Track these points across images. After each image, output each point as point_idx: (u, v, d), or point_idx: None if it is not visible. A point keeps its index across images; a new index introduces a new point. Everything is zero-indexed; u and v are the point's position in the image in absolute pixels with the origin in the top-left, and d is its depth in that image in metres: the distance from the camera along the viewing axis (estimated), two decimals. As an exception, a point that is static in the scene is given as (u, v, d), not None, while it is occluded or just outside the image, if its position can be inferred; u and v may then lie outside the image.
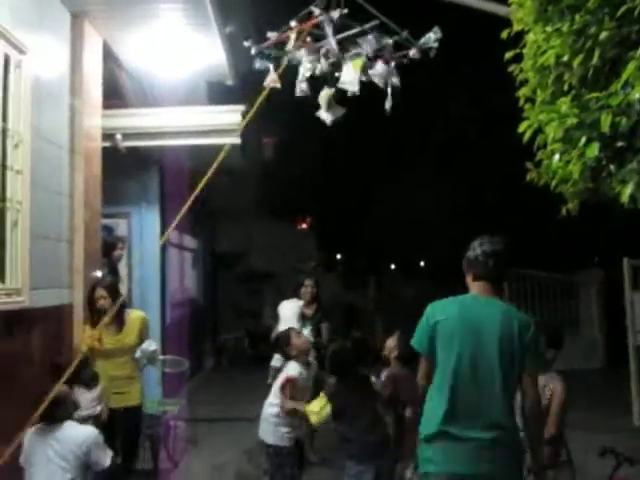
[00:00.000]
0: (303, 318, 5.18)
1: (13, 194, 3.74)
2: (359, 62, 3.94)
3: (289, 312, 5.08)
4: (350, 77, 3.89)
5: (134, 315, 4.36)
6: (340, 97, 4.29)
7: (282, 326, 4.90)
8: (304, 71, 3.92)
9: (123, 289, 6.53)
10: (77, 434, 3.14)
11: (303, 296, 5.18)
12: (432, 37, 3.94)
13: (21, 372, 3.77)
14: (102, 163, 5.26)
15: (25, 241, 3.81)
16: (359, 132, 13.89)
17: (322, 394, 3.78)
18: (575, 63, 2.17)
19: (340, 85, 4.01)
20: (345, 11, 3.76)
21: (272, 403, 4.04)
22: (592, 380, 8.78)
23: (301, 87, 3.97)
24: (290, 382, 3.93)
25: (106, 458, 3.19)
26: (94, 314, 4.12)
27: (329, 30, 3.84)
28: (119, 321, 4.15)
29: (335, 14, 3.74)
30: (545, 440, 3.71)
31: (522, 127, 2.57)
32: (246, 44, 3.85)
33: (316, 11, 3.82)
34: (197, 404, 6.58)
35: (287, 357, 4.13)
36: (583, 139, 2.10)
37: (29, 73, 3.92)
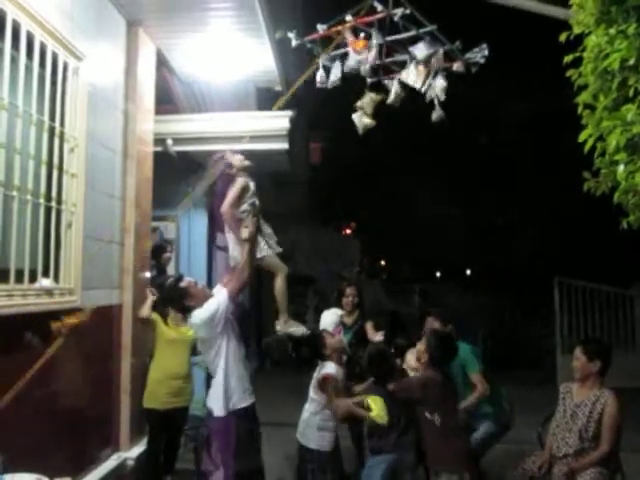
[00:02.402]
0: (343, 327, 5.09)
1: (68, 197, 3.85)
2: (423, 71, 3.88)
3: (328, 321, 5.00)
4: (415, 81, 3.83)
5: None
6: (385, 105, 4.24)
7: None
8: (342, 68, 3.87)
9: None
10: None
11: (345, 306, 5.05)
12: (479, 53, 3.86)
13: (73, 370, 3.88)
14: (153, 167, 5.38)
15: (78, 242, 3.92)
16: (406, 139, 13.77)
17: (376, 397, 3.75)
18: (643, 66, 2.06)
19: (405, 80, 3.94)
20: (407, 11, 3.67)
21: (312, 406, 4.04)
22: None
23: (332, 81, 3.93)
24: (329, 380, 3.90)
25: None
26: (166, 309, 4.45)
27: (376, 37, 3.79)
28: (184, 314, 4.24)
29: (397, 12, 3.66)
30: (597, 459, 3.56)
31: (583, 136, 2.45)
32: (289, 35, 3.82)
33: (379, 7, 3.75)
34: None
35: (323, 358, 4.16)
36: (651, 146, 1.99)
37: (86, 79, 4.04)
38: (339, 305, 5.17)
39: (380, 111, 4.25)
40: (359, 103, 4.15)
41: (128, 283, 4.72)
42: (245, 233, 3.58)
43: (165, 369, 4.56)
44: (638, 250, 9.95)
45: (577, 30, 2.77)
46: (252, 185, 4.14)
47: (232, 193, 3.96)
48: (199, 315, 3.63)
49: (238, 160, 4.19)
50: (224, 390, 3.56)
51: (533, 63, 10.05)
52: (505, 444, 5.41)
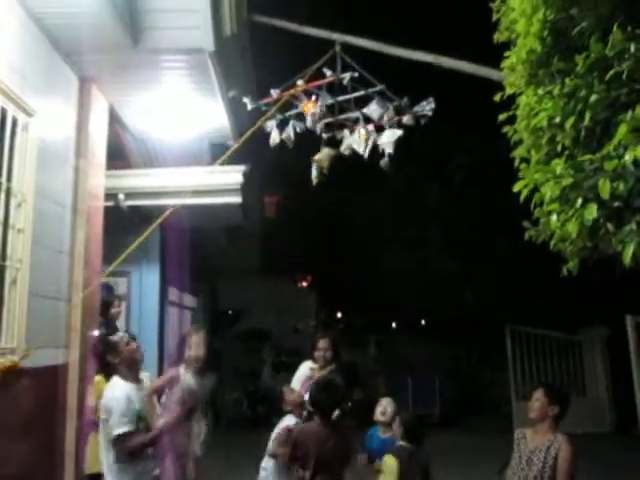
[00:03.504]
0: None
1: (13, 252, 3.75)
2: (364, 136, 4.07)
3: (299, 374, 4.80)
4: (359, 146, 4.01)
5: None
6: (338, 158, 4.39)
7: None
8: (295, 130, 4.02)
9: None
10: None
11: (317, 359, 4.62)
12: (426, 106, 4.09)
13: (13, 434, 3.66)
14: (104, 222, 5.31)
15: (23, 300, 3.79)
16: (359, 192, 14.10)
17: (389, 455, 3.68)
18: (567, 125, 2.23)
19: (314, 159, 4.12)
20: (356, 75, 3.88)
21: (273, 468, 3.93)
22: (601, 444, 8.48)
23: (286, 136, 4.07)
24: (291, 432, 3.82)
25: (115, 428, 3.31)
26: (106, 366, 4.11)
27: (324, 98, 3.97)
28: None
29: (346, 76, 3.86)
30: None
31: (517, 187, 2.61)
32: (245, 100, 3.95)
33: (328, 72, 3.95)
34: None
35: (281, 414, 4.14)
36: (580, 200, 2.13)
37: (36, 135, 4.02)
38: (313, 358, 4.90)
39: (336, 165, 4.38)
40: (316, 157, 4.28)
41: (75, 342, 4.54)
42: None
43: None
44: (582, 295, 10.33)
45: (510, 90, 2.99)
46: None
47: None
48: (107, 397, 3.52)
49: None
50: None
51: (472, 120, 10.62)
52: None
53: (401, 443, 3.94)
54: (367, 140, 4.02)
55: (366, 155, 4.05)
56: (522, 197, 2.58)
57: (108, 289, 6.39)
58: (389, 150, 4.04)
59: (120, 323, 6.52)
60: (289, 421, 4.00)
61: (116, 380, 3.55)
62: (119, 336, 3.79)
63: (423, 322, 18.97)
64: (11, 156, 3.76)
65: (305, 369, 4.72)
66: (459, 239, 12.60)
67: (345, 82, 3.96)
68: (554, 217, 2.31)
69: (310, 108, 3.92)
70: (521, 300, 11.50)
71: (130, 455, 3.36)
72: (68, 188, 4.71)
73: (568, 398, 3.93)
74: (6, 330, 3.66)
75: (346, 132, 4.18)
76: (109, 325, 5.43)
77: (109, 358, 3.63)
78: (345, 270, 16.59)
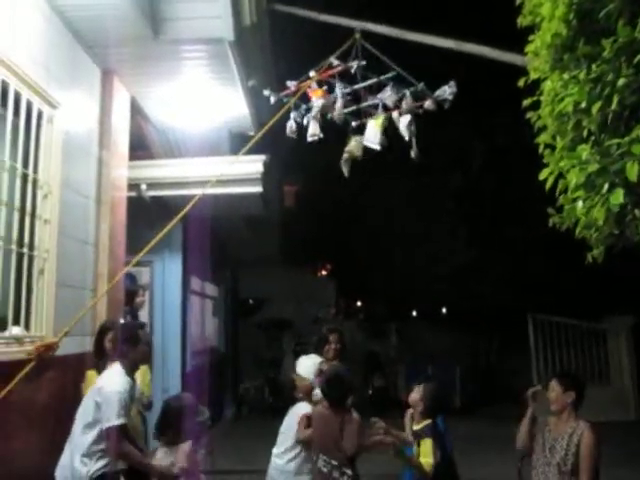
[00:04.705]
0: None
1: (41, 243, 3.83)
2: (380, 120, 4.04)
3: (305, 369, 4.71)
4: (372, 135, 3.98)
5: None
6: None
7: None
8: (313, 115, 4.01)
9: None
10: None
11: (326, 353, 4.53)
12: (447, 90, 4.04)
13: (41, 420, 3.75)
14: (127, 212, 5.39)
15: (51, 289, 3.87)
16: (380, 179, 14.03)
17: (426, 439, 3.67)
18: (594, 110, 2.18)
19: (365, 142, 4.09)
20: (363, 62, 3.88)
21: (287, 452, 3.96)
22: (626, 432, 8.39)
23: (311, 133, 4.05)
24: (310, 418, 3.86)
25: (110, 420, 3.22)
26: (101, 358, 4.09)
27: (339, 87, 3.97)
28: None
29: (353, 64, 3.87)
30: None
31: (543, 174, 2.57)
32: (265, 93, 3.97)
33: (334, 62, 3.96)
34: (217, 455, 6.44)
35: (294, 401, 4.17)
36: (606, 185, 2.09)
37: (60, 127, 4.09)
38: (319, 352, 4.87)
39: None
40: (347, 147, 4.26)
41: (99, 331, 4.63)
42: None
43: None
44: (608, 283, 10.18)
45: (534, 75, 2.93)
46: None
47: None
48: (109, 384, 3.37)
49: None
50: None
51: (495, 106, 10.47)
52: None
53: (426, 421, 3.93)
54: (382, 127, 3.99)
55: (378, 144, 4.01)
56: (548, 185, 2.54)
57: (131, 279, 6.49)
58: (406, 136, 4.01)
59: (143, 312, 6.63)
60: (304, 408, 4.02)
61: (119, 370, 3.43)
62: (145, 331, 3.76)
63: (444, 311, 18.88)
64: (37, 148, 3.83)
65: (310, 364, 4.57)
66: (479, 227, 12.47)
67: (353, 70, 3.94)
68: (579, 204, 2.28)
69: (317, 95, 3.91)
70: (544, 288, 11.38)
71: (117, 454, 3.27)
72: (92, 179, 4.78)
73: (583, 383, 3.91)
74: (35, 319, 3.75)
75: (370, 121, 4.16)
76: (133, 314, 5.53)
77: (125, 348, 3.50)
78: (364, 259, 16.57)
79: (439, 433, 3.85)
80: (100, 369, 3.95)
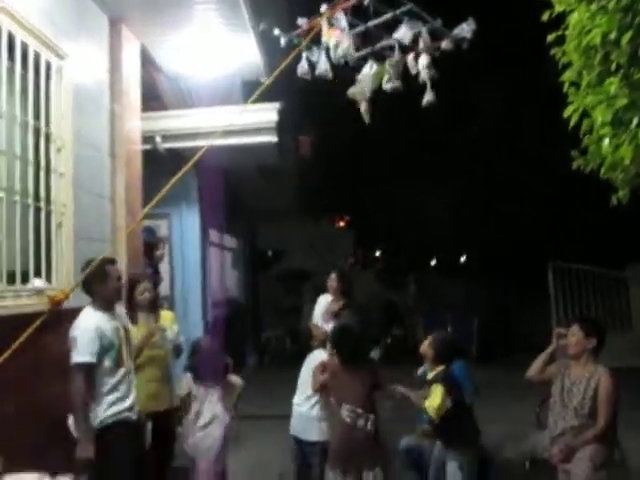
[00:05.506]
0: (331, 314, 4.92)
1: (57, 197, 3.83)
2: (380, 74, 3.85)
3: (318, 308, 4.98)
4: (361, 86, 3.81)
5: (164, 312, 4.41)
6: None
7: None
8: (321, 54, 3.83)
9: (165, 289, 6.66)
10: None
11: (329, 290, 4.92)
12: (466, 28, 3.82)
13: (55, 374, 3.79)
14: (142, 165, 5.35)
15: (69, 242, 3.91)
16: (396, 128, 13.74)
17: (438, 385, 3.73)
18: (624, 41, 2.05)
19: (349, 93, 3.93)
20: None
21: (309, 399, 4.04)
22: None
23: (321, 70, 3.88)
24: (327, 365, 3.91)
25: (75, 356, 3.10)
26: (133, 309, 4.08)
27: (343, 21, 3.74)
28: (155, 314, 4.17)
29: None
30: (594, 436, 3.59)
31: (568, 111, 2.45)
32: (275, 33, 3.80)
33: None
34: (240, 400, 6.62)
35: (311, 349, 4.26)
36: (635, 120, 1.98)
37: (70, 78, 4.02)
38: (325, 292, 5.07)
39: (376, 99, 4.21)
40: (350, 90, 4.09)
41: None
42: None
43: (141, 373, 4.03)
44: (631, 231, 9.98)
45: (559, 8, 2.77)
46: None
47: None
48: (74, 327, 3.22)
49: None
50: None
51: (515, 43, 10.01)
52: (501, 424, 5.48)
53: (439, 368, 3.97)
54: (396, 69, 3.80)
55: (389, 87, 3.84)
56: (572, 123, 2.43)
57: (150, 232, 6.53)
58: (428, 77, 3.83)
59: (164, 265, 6.71)
60: (320, 356, 4.06)
61: (86, 310, 3.31)
62: (115, 267, 3.54)
63: (462, 260, 18.83)
64: (47, 101, 3.78)
65: (324, 302, 4.88)
66: (501, 173, 12.19)
67: (366, 2, 3.72)
68: (606, 142, 2.17)
69: (332, 36, 3.71)
70: (566, 236, 11.20)
71: (76, 394, 3.09)
72: (105, 132, 4.73)
73: (604, 329, 3.88)
74: (55, 272, 3.80)
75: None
76: (153, 267, 5.58)
77: (93, 285, 3.33)
78: (382, 209, 16.47)
79: (452, 380, 3.89)
80: (135, 322, 3.97)
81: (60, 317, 3.35)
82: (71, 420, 3.20)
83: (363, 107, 4.06)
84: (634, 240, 10.66)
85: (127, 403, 3.29)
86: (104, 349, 3.19)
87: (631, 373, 6.26)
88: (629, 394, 3.81)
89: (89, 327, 3.17)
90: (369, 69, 3.81)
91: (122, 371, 3.28)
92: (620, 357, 7.61)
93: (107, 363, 3.20)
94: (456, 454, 3.83)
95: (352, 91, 4.02)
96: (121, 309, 3.61)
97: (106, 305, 3.34)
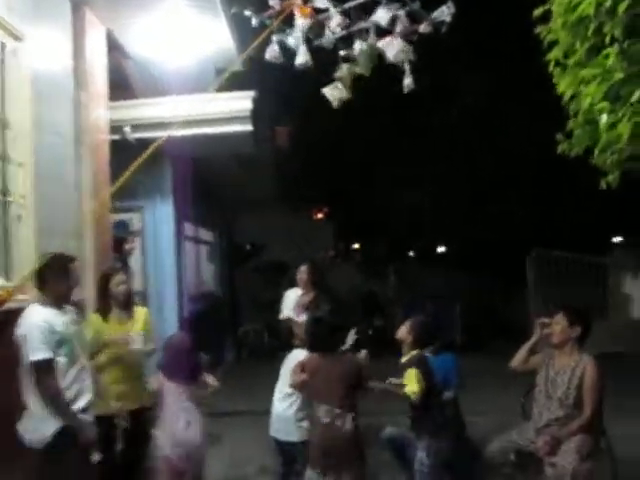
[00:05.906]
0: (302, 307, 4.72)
1: (16, 187, 3.60)
2: (348, 79, 3.73)
3: (287, 302, 4.80)
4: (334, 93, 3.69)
5: (139, 309, 4.19)
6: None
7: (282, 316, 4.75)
8: (298, 41, 3.67)
9: (138, 284, 6.43)
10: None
11: (299, 283, 4.75)
12: (445, 11, 3.68)
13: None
14: (111, 156, 5.11)
15: (30, 236, 3.68)
16: (373, 117, 13.60)
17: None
18: (620, 9, 1.91)
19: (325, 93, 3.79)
20: None
21: (287, 399, 3.93)
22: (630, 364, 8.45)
23: (301, 61, 3.72)
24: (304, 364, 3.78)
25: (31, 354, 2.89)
26: (107, 303, 3.90)
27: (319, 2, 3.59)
28: (128, 310, 3.97)
29: None
30: (579, 427, 3.53)
31: (562, 86, 2.31)
32: (247, 14, 3.62)
33: None
34: (218, 397, 6.47)
35: (292, 347, 4.17)
36: (637, 94, 1.84)
37: (27, 61, 3.77)
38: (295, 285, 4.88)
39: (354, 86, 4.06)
40: (338, 74, 3.93)
41: (88, 279, 4.46)
42: None
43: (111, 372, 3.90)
44: (616, 214, 9.97)
45: (545, -19, 2.63)
46: None
47: None
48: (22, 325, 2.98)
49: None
50: None
51: (498, 27, 9.89)
52: (487, 415, 5.42)
53: (414, 352, 3.87)
54: (371, 54, 3.66)
55: (368, 71, 3.70)
56: (566, 97, 2.29)
57: (122, 225, 6.30)
58: (402, 64, 3.70)
59: (136, 259, 6.48)
60: (300, 354, 3.92)
61: (32, 307, 3.07)
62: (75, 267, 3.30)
63: (443, 249, 18.88)
64: (2, 84, 3.53)
65: (293, 295, 4.74)
66: (480, 159, 12.12)
67: None
68: (604, 117, 2.03)
69: (305, 13, 3.53)
70: (548, 223, 11.19)
71: (42, 394, 2.91)
72: (69, 119, 4.50)
73: (589, 318, 3.82)
74: (16, 267, 3.57)
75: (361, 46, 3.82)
76: (123, 261, 5.37)
77: (50, 279, 3.09)
78: (361, 198, 16.37)
79: (426, 365, 3.79)
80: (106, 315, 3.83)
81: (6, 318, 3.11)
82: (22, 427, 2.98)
83: (330, 90, 3.90)
84: (617, 225, 10.71)
85: (81, 403, 3.04)
86: (57, 344, 2.95)
87: (610, 358, 6.25)
88: (611, 380, 3.76)
89: (37, 322, 2.94)
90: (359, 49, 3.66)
91: (75, 369, 3.04)
92: (599, 344, 7.63)
93: (61, 359, 2.96)
94: (423, 441, 3.74)
95: (338, 74, 3.86)
96: (69, 307, 3.30)
97: (57, 302, 3.09)
